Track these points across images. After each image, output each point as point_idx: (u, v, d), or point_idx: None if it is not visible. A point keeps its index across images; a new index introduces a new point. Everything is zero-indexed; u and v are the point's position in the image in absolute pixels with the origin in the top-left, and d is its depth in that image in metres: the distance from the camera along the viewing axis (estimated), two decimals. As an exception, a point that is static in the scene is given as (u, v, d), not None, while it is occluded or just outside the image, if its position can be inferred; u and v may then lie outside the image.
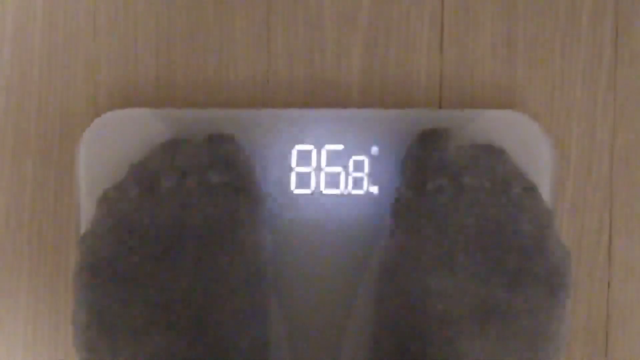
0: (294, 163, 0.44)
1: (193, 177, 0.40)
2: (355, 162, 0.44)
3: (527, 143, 0.43)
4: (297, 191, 0.44)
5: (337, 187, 0.44)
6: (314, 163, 0.44)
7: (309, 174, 0.44)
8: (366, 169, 0.44)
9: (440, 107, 0.46)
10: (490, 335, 0.38)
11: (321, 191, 0.44)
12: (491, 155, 0.41)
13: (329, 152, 0.44)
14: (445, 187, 0.40)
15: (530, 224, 0.40)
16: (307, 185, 0.44)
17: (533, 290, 0.39)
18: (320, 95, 0.46)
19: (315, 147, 0.44)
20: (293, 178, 0.44)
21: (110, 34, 0.45)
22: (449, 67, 0.46)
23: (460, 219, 0.40)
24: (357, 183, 0.44)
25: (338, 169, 0.44)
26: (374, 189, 0.44)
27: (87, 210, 0.43)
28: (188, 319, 0.38)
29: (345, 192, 0.44)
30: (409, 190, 0.41)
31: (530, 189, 0.41)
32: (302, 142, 0.44)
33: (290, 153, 0.44)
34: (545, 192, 0.43)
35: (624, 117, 0.46)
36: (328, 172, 0.44)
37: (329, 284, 0.44)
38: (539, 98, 0.46)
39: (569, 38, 0.46)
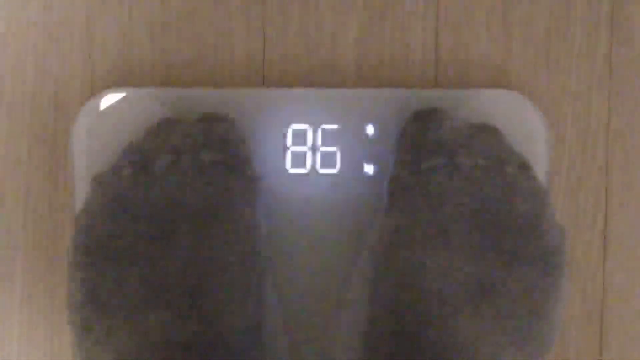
0: (289, 142, 0.44)
1: (187, 157, 0.40)
2: (350, 141, 0.44)
3: (522, 122, 0.43)
4: (292, 171, 0.44)
5: (333, 166, 0.44)
6: (309, 142, 0.44)
7: (304, 153, 0.44)
8: (362, 148, 0.44)
9: (435, 87, 0.46)
10: (485, 314, 0.38)
11: (317, 171, 0.44)
12: (486, 134, 0.41)
13: (324, 132, 0.44)
14: (441, 166, 0.40)
15: (526, 203, 0.40)
16: (303, 165, 0.44)
17: (528, 269, 0.39)
18: (315, 74, 0.46)
19: (310, 127, 0.44)
20: (288, 158, 0.44)
21: (106, 13, 0.45)
22: (445, 47, 0.46)
23: (455, 198, 0.40)
24: (352, 162, 0.44)
25: (333, 148, 0.44)
26: (370, 169, 0.44)
27: (82, 190, 0.43)
28: (182, 298, 0.38)
29: (341, 172, 0.44)
30: (404, 170, 0.41)
31: (526, 168, 0.41)
32: (297, 122, 0.44)
33: (285, 132, 0.44)
34: (541, 171, 0.43)
35: (619, 97, 0.46)
36: (323, 151, 0.44)
37: (324, 263, 0.44)
38: (534, 77, 0.46)
39: (564, 17, 0.46)
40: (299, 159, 0.44)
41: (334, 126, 0.44)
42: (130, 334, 0.38)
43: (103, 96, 0.43)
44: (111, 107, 0.43)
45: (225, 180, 0.40)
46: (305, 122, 0.43)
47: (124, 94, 0.43)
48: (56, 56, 0.45)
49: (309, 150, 0.44)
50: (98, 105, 0.43)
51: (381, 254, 0.40)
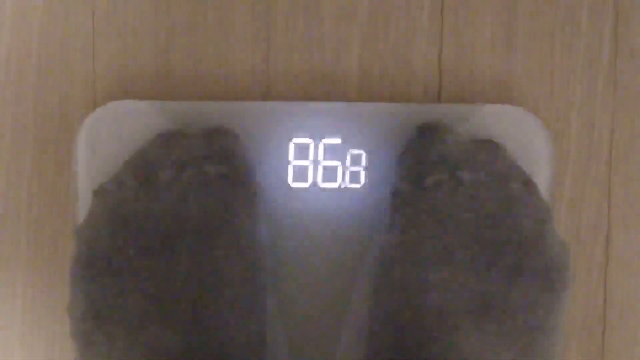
0: (291, 156, 0.44)
1: (190, 170, 0.40)
2: (352, 155, 0.44)
3: (526, 137, 0.43)
4: (294, 184, 0.44)
5: (335, 180, 0.44)
6: (311, 156, 0.44)
7: (306, 167, 0.44)
8: (364, 162, 0.44)
9: (439, 101, 0.46)
10: (487, 329, 0.38)
11: (318, 185, 0.44)
12: (490, 149, 0.41)
13: (326, 146, 0.43)
14: (444, 182, 0.40)
15: (529, 219, 0.40)
16: (305, 179, 0.44)
17: (531, 285, 0.39)
18: (318, 88, 0.45)
19: (313, 141, 0.43)
20: (290, 171, 0.44)
21: (109, 25, 0.45)
22: (448, 61, 0.46)
23: (458, 214, 0.40)
24: (355, 177, 0.44)
25: (336, 162, 0.44)
26: (372, 183, 0.44)
27: (84, 201, 0.43)
28: (184, 312, 0.38)
29: (343, 186, 0.44)
30: (407, 185, 0.41)
31: (529, 184, 0.41)
32: (299, 136, 0.43)
33: (287, 146, 0.43)
34: (544, 186, 0.43)
35: (623, 112, 0.46)
36: (325, 165, 0.44)
37: (326, 277, 0.44)
38: (538, 92, 0.46)
39: (568, 32, 0.46)
40: (301, 173, 0.44)
41: (337, 140, 0.43)
42: (131, 347, 0.38)
43: (106, 108, 0.43)
44: (114, 120, 0.43)
45: (227, 193, 0.40)
46: (307, 136, 0.43)
47: (127, 107, 0.43)
48: (59, 68, 0.45)
49: (311, 164, 0.44)
50: (101, 118, 0.43)
51: (383, 269, 0.40)
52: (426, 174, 0.40)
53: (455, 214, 0.40)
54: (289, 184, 0.44)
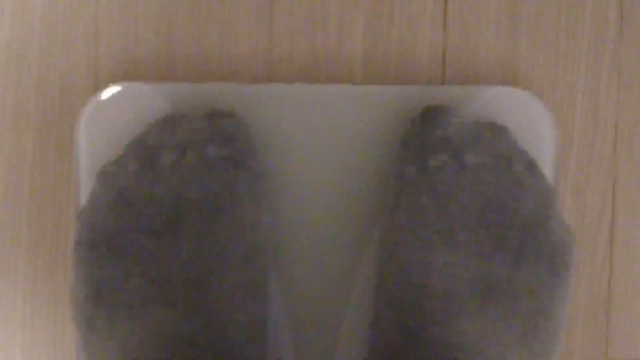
0: (294, 138, 0.43)
1: (192, 152, 0.40)
2: (357, 138, 0.44)
3: (530, 120, 0.43)
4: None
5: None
6: (314, 139, 0.43)
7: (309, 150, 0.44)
8: (369, 145, 0.44)
9: (443, 84, 0.46)
10: (491, 312, 0.38)
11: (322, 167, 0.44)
12: (494, 132, 0.41)
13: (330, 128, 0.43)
14: (447, 164, 0.40)
15: (533, 202, 0.40)
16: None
17: (535, 268, 0.39)
18: (322, 70, 0.45)
19: (316, 123, 0.43)
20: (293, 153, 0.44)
21: (111, 7, 0.45)
22: (452, 44, 0.46)
23: (462, 196, 0.40)
24: (359, 160, 0.44)
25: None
26: (378, 165, 0.44)
27: (86, 185, 0.43)
28: (186, 294, 0.38)
29: (347, 168, 0.44)
30: (411, 167, 0.41)
31: (533, 167, 0.41)
32: (302, 118, 0.43)
33: (290, 128, 0.43)
34: (548, 170, 0.43)
35: (627, 96, 0.46)
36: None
37: (329, 260, 0.44)
38: (542, 75, 0.46)
39: (573, 15, 0.46)
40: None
41: (340, 122, 0.43)
42: (133, 328, 0.38)
43: (108, 91, 0.43)
44: (116, 102, 0.43)
45: (230, 175, 0.40)
46: (310, 118, 0.43)
47: (129, 89, 0.43)
48: (61, 51, 0.45)
49: (314, 147, 0.44)
50: (103, 100, 0.43)
51: (387, 252, 0.40)
52: (430, 156, 0.40)
53: (458, 197, 0.40)
54: (292, 166, 0.43)
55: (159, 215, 0.39)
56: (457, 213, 0.39)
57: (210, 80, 0.45)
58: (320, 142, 0.44)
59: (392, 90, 0.43)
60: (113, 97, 0.43)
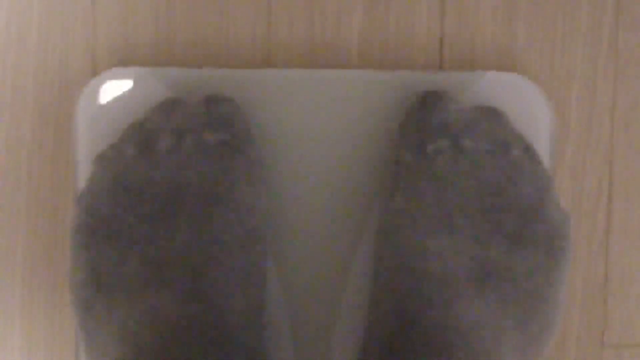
0: (292, 123, 0.43)
1: (190, 137, 0.40)
2: (355, 123, 0.44)
3: (527, 105, 0.43)
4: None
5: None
6: (312, 124, 0.43)
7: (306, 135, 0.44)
8: (367, 130, 0.44)
9: (440, 69, 0.46)
10: (488, 297, 0.38)
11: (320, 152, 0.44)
12: (491, 117, 0.41)
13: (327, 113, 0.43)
14: (445, 149, 0.40)
15: (530, 187, 0.40)
16: None
17: (532, 252, 0.39)
18: (320, 56, 0.45)
19: (313, 108, 0.43)
20: (290, 138, 0.44)
21: (109, -8, 0.45)
22: (450, 29, 0.46)
23: (459, 181, 0.40)
24: (357, 145, 0.44)
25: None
26: (374, 151, 0.44)
27: (84, 170, 0.43)
28: (183, 278, 0.38)
29: (345, 153, 0.44)
30: (409, 152, 0.41)
31: (530, 152, 0.41)
32: (300, 103, 0.43)
33: (288, 113, 0.43)
34: (545, 155, 0.43)
35: (624, 81, 0.46)
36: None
37: (327, 245, 0.44)
38: (539, 60, 0.46)
39: (570, 0, 0.46)
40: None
41: (338, 107, 0.43)
42: (131, 313, 0.38)
43: (106, 76, 0.43)
44: (114, 87, 0.43)
45: (227, 160, 0.40)
46: (308, 104, 0.43)
47: (127, 74, 0.43)
48: (60, 36, 0.45)
49: (312, 132, 0.43)
50: (101, 85, 0.43)
51: (384, 236, 0.40)
52: (428, 141, 0.40)
53: (456, 182, 0.40)
54: (290, 152, 0.43)
55: (156, 199, 0.39)
56: (454, 198, 0.39)
57: (208, 65, 0.45)
58: (318, 127, 0.43)
59: (390, 76, 0.43)
60: (111, 82, 0.43)
